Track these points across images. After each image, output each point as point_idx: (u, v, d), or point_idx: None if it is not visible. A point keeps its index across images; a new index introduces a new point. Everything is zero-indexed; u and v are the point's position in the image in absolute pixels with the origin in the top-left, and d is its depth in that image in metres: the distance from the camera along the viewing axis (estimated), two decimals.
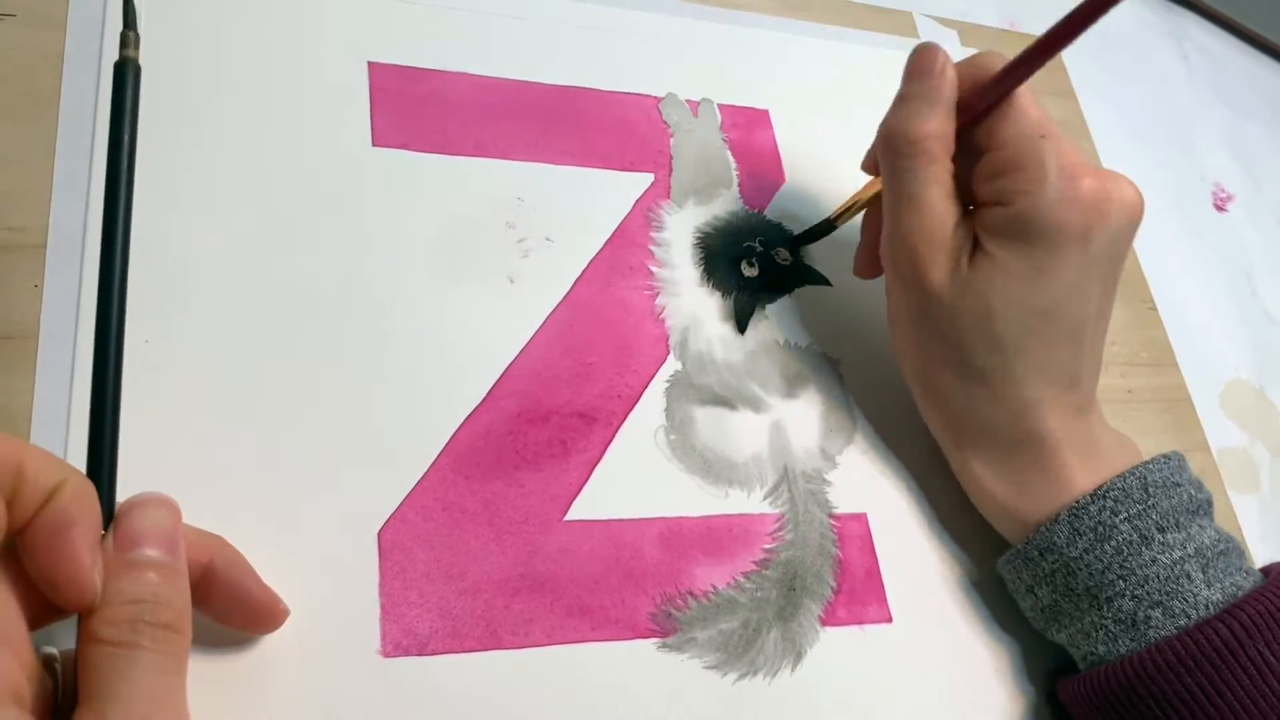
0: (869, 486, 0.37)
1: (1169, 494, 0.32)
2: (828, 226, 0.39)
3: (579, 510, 0.33)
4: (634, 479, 0.34)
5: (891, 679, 0.33)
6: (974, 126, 0.33)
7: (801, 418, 0.37)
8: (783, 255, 0.40)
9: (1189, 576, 0.31)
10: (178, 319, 0.31)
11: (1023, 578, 0.34)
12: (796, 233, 0.40)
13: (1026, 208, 0.31)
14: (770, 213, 0.41)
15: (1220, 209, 0.56)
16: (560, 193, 0.38)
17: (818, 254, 0.41)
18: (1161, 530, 0.31)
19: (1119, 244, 0.32)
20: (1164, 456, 0.33)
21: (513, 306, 0.35)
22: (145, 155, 0.33)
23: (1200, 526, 0.32)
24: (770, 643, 0.33)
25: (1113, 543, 0.31)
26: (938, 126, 0.32)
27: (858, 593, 0.34)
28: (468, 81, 0.38)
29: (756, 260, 0.39)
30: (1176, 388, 0.46)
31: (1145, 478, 0.32)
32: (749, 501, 0.35)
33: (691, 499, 0.34)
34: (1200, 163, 0.58)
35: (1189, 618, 0.30)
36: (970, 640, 0.35)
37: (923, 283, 0.33)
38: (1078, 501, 0.32)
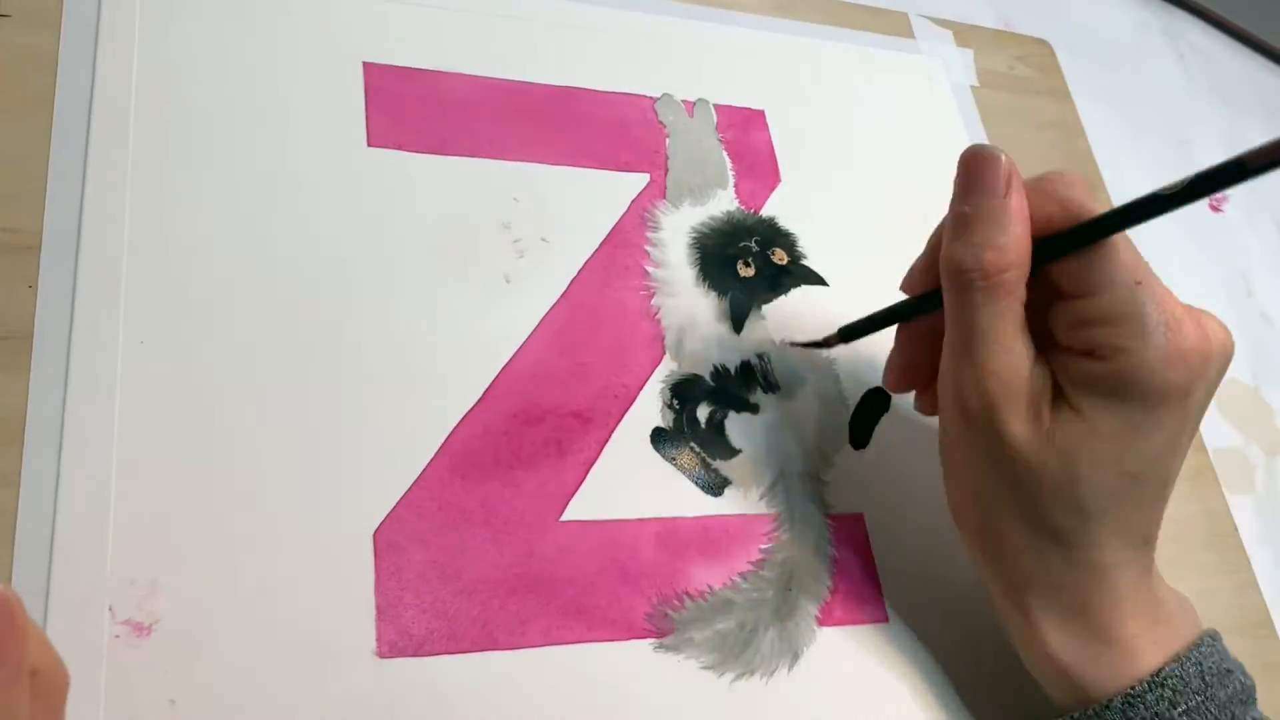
0: (865, 487, 0.37)
1: (1224, 683, 0.29)
2: (845, 336, 0.36)
3: (575, 510, 0.33)
4: (630, 479, 0.34)
5: (888, 679, 0.33)
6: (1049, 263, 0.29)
7: (798, 418, 0.37)
8: (779, 255, 0.40)
9: None
10: (172, 320, 0.31)
11: None
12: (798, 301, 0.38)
13: (1126, 366, 0.27)
14: (766, 213, 0.41)
15: (1216, 210, 0.57)
16: (556, 193, 0.38)
17: (815, 254, 0.41)
18: None
19: (1210, 395, 0.29)
20: (1210, 637, 0.30)
21: (508, 307, 0.35)
22: (140, 156, 0.33)
23: (1254, 715, 0.30)
24: (767, 643, 0.33)
25: None
26: (1016, 257, 0.28)
27: (854, 593, 0.34)
28: (463, 82, 0.38)
29: (752, 260, 0.39)
30: None
31: (1201, 664, 0.29)
32: (745, 502, 0.35)
33: (688, 499, 0.34)
34: (1196, 163, 0.57)
35: None
36: (966, 641, 0.35)
37: (999, 433, 0.29)
38: (1133, 689, 0.29)
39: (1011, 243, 0.28)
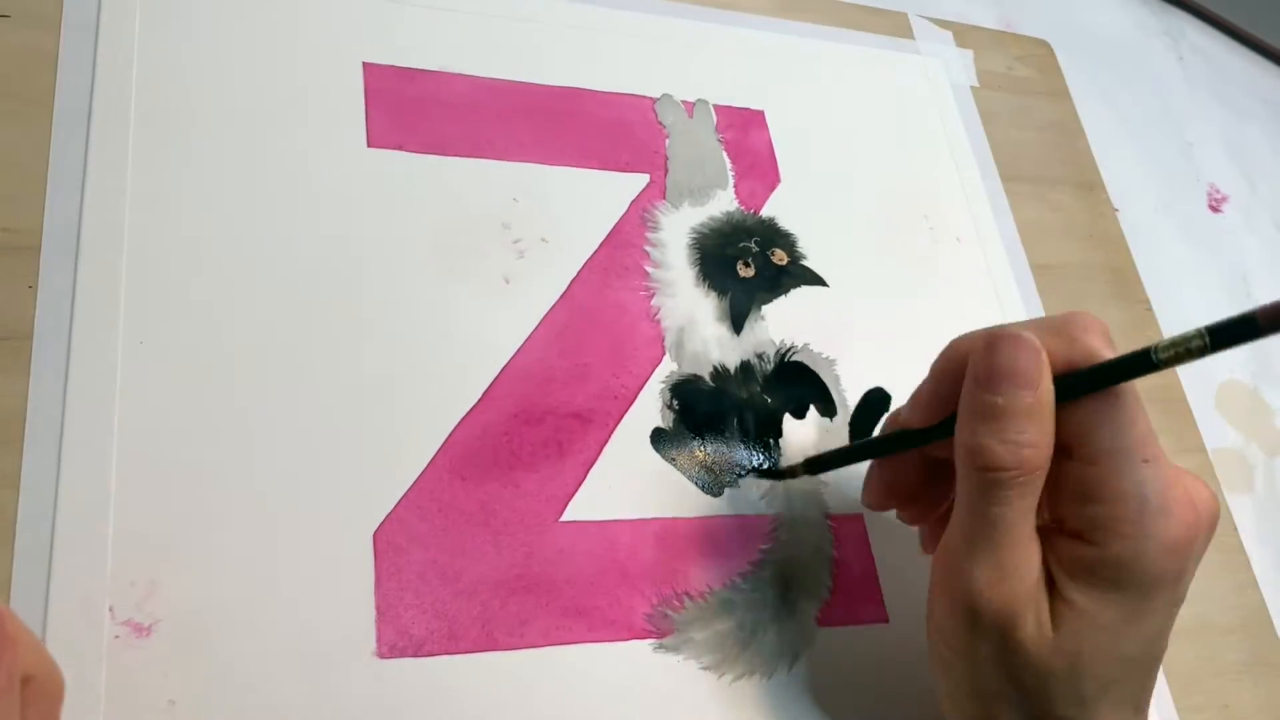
0: None
1: None
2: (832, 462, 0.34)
3: (575, 511, 0.33)
4: (630, 480, 0.34)
5: (887, 679, 0.33)
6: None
7: (797, 418, 0.37)
8: (779, 256, 0.40)
9: None
10: (172, 320, 0.31)
11: None
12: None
13: (1123, 555, 0.26)
14: (766, 213, 0.41)
15: (1215, 210, 0.57)
16: (556, 193, 0.38)
17: (814, 255, 0.41)
18: None
19: (1198, 562, 0.28)
20: None
21: (508, 307, 0.35)
22: (140, 156, 0.33)
23: None
24: (767, 643, 0.33)
25: None
26: (1050, 450, 0.26)
27: (854, 593, 0.34)
28: (463, 82, 0.38)
29: (752, 261, 0.39)
30: (1172, 388, 0.46)
31: None
32: (745, 502, 0.35)
33: (688, 500, 0.34)
34: (1195, 164, 0.58)
35: None
36: None
37: (1012, 638, 0.27)
38: None
39: (1047, 439, 0.26)
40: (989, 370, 0.27)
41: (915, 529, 0.36)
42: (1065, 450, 0.27)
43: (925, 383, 0.30)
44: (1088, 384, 0.26)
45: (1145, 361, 0.25)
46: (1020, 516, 0.27)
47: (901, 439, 0.31)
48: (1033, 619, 0.27)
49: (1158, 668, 0.29)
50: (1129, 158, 0.55)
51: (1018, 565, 0.27)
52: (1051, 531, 0.28)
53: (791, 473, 0.35)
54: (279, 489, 0.30)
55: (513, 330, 0.35)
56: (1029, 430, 0.26)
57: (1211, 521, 0.27)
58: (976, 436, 0.27)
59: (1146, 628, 0.27)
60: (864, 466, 0.33)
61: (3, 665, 0.21)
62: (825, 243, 0.41)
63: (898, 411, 0.31)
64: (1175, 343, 0.25)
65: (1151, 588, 0.26)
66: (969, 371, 0.27)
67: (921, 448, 0.30)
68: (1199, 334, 0.24)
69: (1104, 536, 0.26)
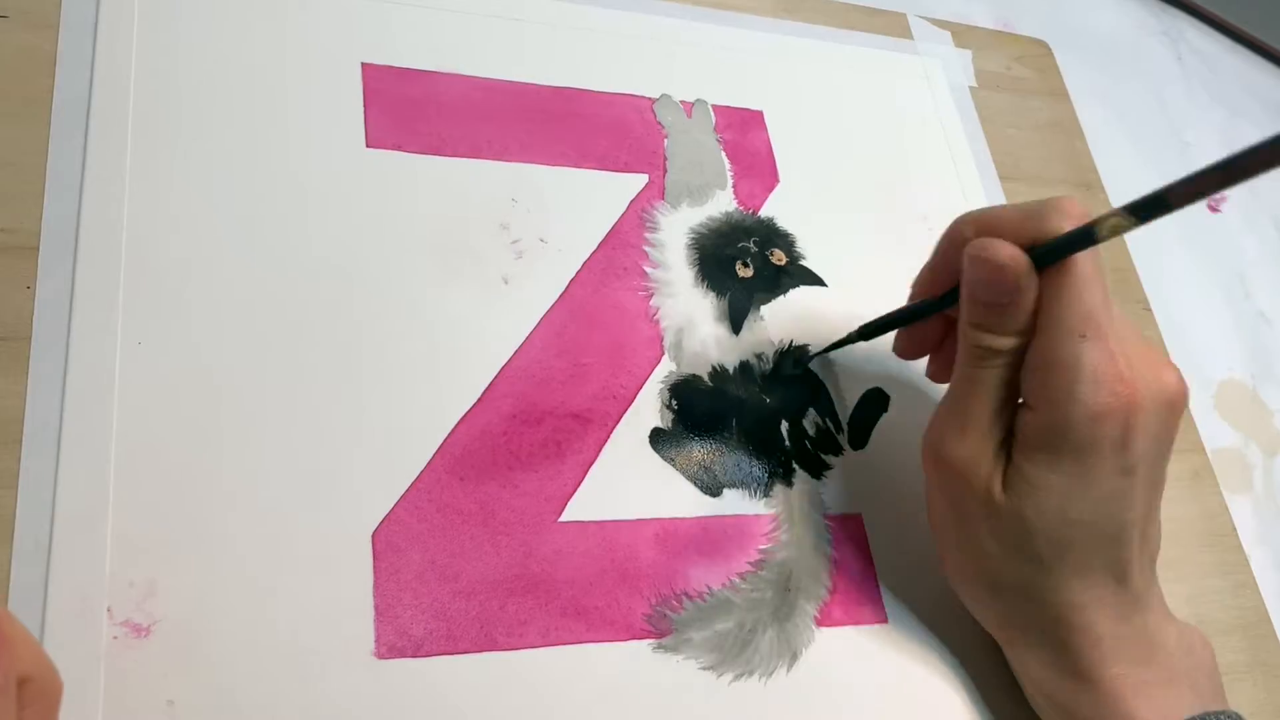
0: (864, 488, 0.37)
1: None
2: (857, 336, 0.37)
3: (574, 511, 0.33)
4: (629, 480, 0.34)
5: (886, 680, 0.33)
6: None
7: (796, 418, 0.37)
8: (777, 256, 0.40)
9: None
10: (170, 321, 0.31)
11: None
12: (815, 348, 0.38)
13: (1053, 420, 0.28)
14: (765, 213, 0.41)
15: (1214, 210, 0.57)
16: (554, 194, 0.38)
17: (813, 255, 0.41)
18: None
19: (1161, 441, 0.30)
20: (1225, 715, 0.30)
21: (507, 307, 0.35)
22: (139, 157, 0.33)
23: None
24: (766, 643, 0.33)
25: None
26: (1029, 337, 0.29)
27: (853, 594, 0.34)
28: (462, 83, 0.38)
29: (751, 261, 0.39)
30: None
31: None
32: (744, 502, 0.35)
33: (686, 500, 0.34)
34: (1194, 164, 0.57)
35: None
36: (965, 642, 0.35)
37: (967, 489, 0.30)
38: None
39: (1029, 325, 0.29)
40: (971, 284, 0.30)
41: (915, 528, 0.36)
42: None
43: (933, 257, 0.33)
44: (1041, 260, 0.29)
45: (1088, 237, 0.28)
46: (995, 386, 0.30)
47: (925, 307, 0.34)
48: (987, 477, 0.30)
49: (1128, 540, 0.30)
50: (1127, 157, 0.55)
51: (983, 427, 0.30)
52: (1021, 407, 0.30)
53: (849, 339, 0.37)
54: (277, 489, 0.30)
55: (511, 330, 0.35)
56: (1010, 324, 0.29)
57: (1159, 397, 0.29)
58: (968, 321, 0.30)
59: (1092, 493, 0.29)
60: (862, 468, 0.33)
61: (0, 666, 0.21)
62: (824, 243, 0.41)
63: (921, 276, 0.34)
64: (1111, 223, 0.27)
65: (1084, 453, 0.28)
66: (963, 273, 0.30)
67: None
68: (1119, 212, 0.27)
69: (1041, 403, 0.29)
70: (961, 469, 0.30)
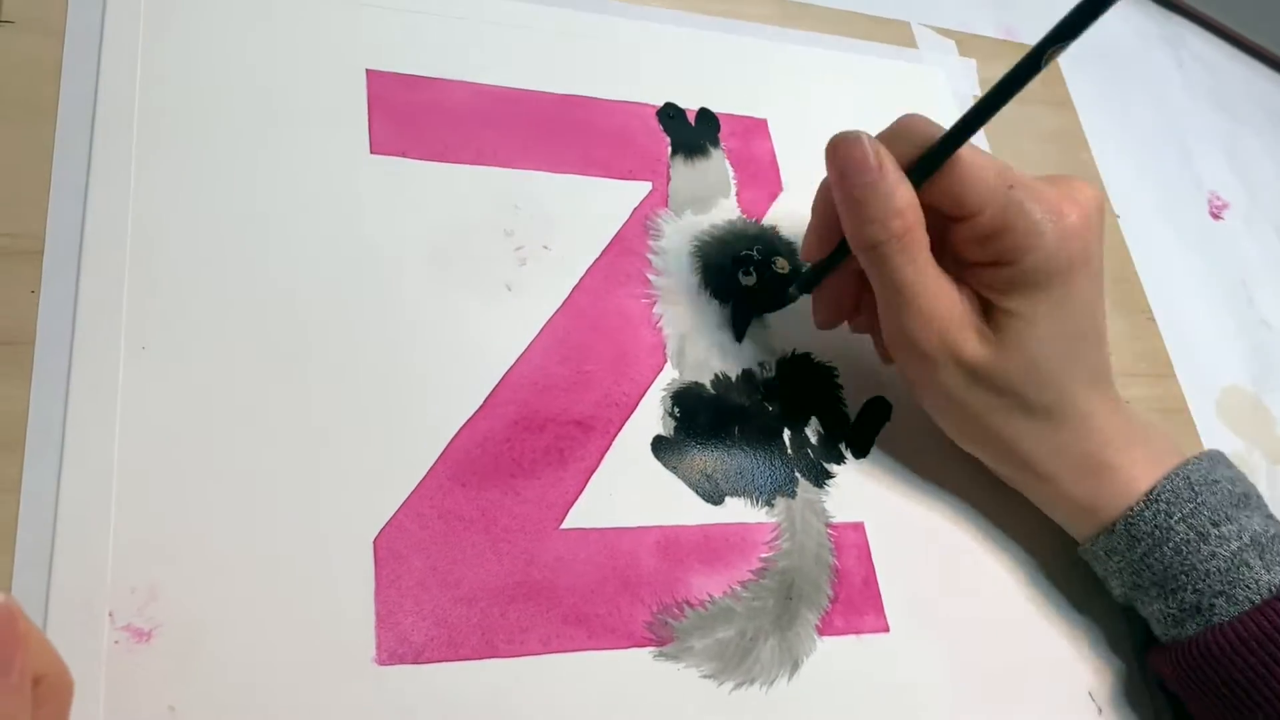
0: (866, 496, 0.37)
1: (1212, 490, 0.34)
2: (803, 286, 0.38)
3: (575, 518, 0.33)
4: (631, 487, 0.34)
5: (888, 689, 0.33)
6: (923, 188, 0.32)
7: (799, 426, 0.37)
8: (780, 264, 0.40)
9: (1248, 565, 0.33)
10: (174, 326, 0.31)
11: (1096, 569, 0.36)
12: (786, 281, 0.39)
13: (1034, 262, 0.31)
14: (768, 222, 0.41)
15: (1216, 217, 0.57)
16: (558, 201, 0.38)
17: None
18: (1215, 524, 0.33)
19: (1102, 240, 0.33)
20: (1199, 455, 0.35)
21: (510, 314, 0.35)
22: (143, 163, 0.33)
23: (1248, 516, 0.34)
24: (767, 652, 0.33)
25: (1171, 544, 0.33)
26: (914, 212, 0.32)
27: (855, 602, 0.34)
28: (466, 89, 0.38)
29: (754, 269, 0.39)
30: (1174, 397, 0.46)
31: (1189, 477, 0.34)
32: (746, 510, 0.35)
33: (688, 508, 0.34)
34: (1196, 171, 0.58)
35: (1251, 602, 0.32)
36: (967, 651, 0.35)
37: (961, 360, 0.33)
38: (1131, 509, 0.34)
39: (906, 203, 0.31)
40: (833, 172, 0.32)
41: (918, 537, 0.36)
42: (952, 217, 0.32)
43: (813, 219, 0.36)
44: (931, 163, 0.31)
45: (977, 119, 0.30)
46: (918, 271, 0.32)
47: (827, 264, 0.36)
48: (973, 338, 0.33)
49: (1104, 337, 0.34)
50: (1129, 165, 0.55)
51: (937, 306, 0.32)
52: (975, 269, 0.33)
53: (791, 298, 0.38)
54: (280, 495, 0.30)
55: (514, 337, 0.35)
56: (888, 204, 0.31)
57: (1097, 205, 0.33)
58: (851, 226, 0.32)
59: (1078, 303, 0.32)
60: (865, 476, 0.33)
61: (15, 665, 0.21)
62: None
63: (809, 243, 0.36)
64: (1048, 53, 0.29)
65: (1069, 273, 0.32)
66: (830, 179, 0.33)
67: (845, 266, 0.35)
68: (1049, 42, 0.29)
69: (1016, 256, 0.32)
70: (946, 345, 0.33)
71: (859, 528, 0.36)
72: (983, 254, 0.32)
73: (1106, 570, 0.35)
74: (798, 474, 0.36)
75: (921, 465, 0.38)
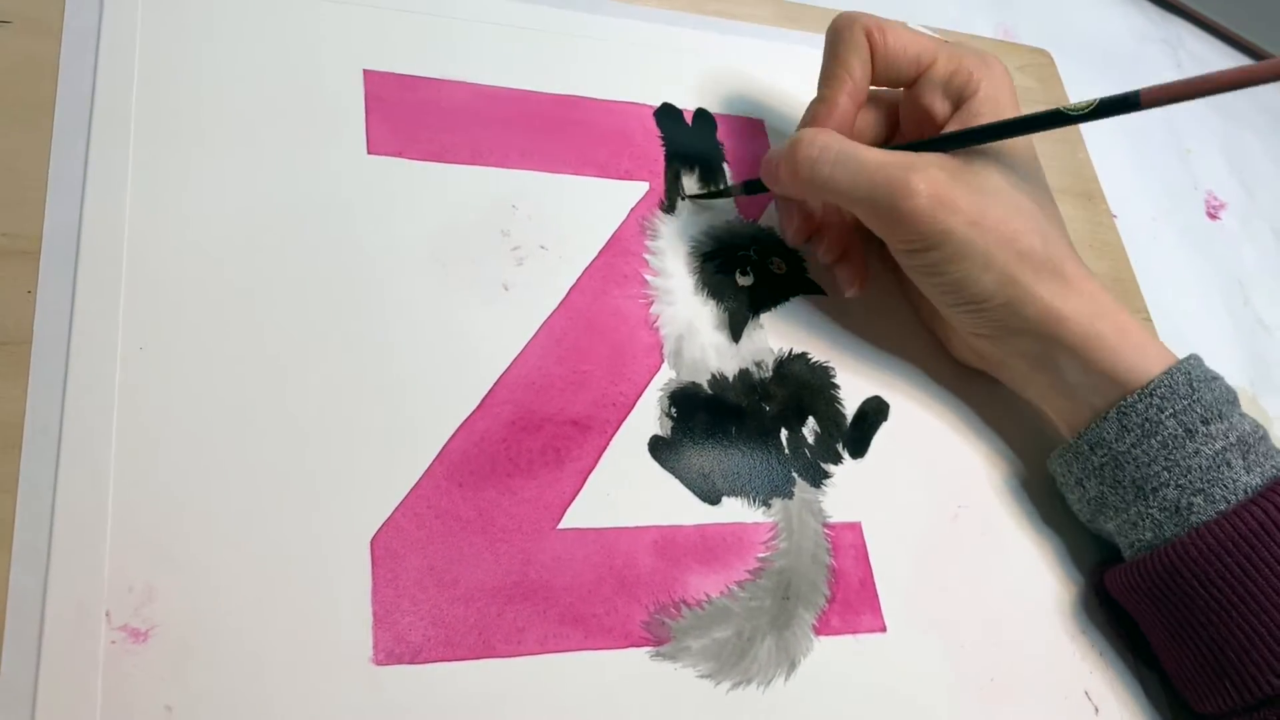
0: (863, 495, 0.37)
1: (1210, 387, 0.34)
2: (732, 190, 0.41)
3: (572, 518, 0.33)
4: (628, 487, 0.34)
5: (885, 689, 0.33)
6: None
7: (796, 427, 0.37)
8: (777, 264, 0.40)
9: (1230, 464, 0.33)
10: (172, 326, 0.31)
11: (1073, 471, 0.36)
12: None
13: (989, 90, 0.35)
14: (764, 222, 0.41)
15: (1213, 217, 0.57)
16: (555, 201, 0.38)
17: (813, 264, 0.41)
18: (1205, 422, 0.33)
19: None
20: (1194, 356, 0.35)
21: (507, 314, 0.35)
22: (141, 162, 0.33)
23: (1240, 415, 0.34)
24: (764, 652, 0.33)
25: (1159, 437, 0.33)
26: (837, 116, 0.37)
27: (852, 602, 0.34)
28: (463, 90, 0.38)
29: (751, 269, 0.39)
30: None
31: (1190, 373, 0.34)
32: (743, 510, 0.35)
33: (685, 508, 0.34)
34: (1193, 171, 0.58)
35: (1228, 502, 0.32)
36: (963, 650, 0.35)
37: (900, 203, 0.34)
38: (1125, 399, 0.34)
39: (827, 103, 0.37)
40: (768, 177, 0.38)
41: (915, 537, 0.36)
42: (915, 79, 0.37)
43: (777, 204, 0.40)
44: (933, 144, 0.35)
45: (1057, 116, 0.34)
46: (830, 109, 0.37)
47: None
48: (921, 184, 0.33)
49: (1058, 218, 0.36)
50: (1127, 165, 0.55)
51: (872, 155, 0.34)
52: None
53: (728, 191, 0.40)
54: (276, 495, 0.30)
55: (511, 337, 0.35)
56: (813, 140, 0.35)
57: (997, 65, 0.37)
58: (769, 169, 0.37)
59: (1020, 178, 0.35)
60: (862, 476, 0.33)
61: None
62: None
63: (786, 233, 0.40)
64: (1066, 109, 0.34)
65: (1015, 111, 0.35)
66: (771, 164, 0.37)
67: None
68: (1085, 105, 0.34)
69: (975, 87, 0.35)
70: (892, 185, 0.34)
71: (856, 528, 0.36)
72: (945, 97, 0.36)
73: (1085, 470, 0.35)
74: (795, 474, 0.36)
75: (919, 465, 0.38)
